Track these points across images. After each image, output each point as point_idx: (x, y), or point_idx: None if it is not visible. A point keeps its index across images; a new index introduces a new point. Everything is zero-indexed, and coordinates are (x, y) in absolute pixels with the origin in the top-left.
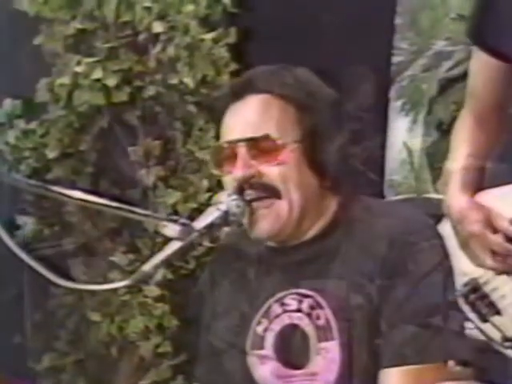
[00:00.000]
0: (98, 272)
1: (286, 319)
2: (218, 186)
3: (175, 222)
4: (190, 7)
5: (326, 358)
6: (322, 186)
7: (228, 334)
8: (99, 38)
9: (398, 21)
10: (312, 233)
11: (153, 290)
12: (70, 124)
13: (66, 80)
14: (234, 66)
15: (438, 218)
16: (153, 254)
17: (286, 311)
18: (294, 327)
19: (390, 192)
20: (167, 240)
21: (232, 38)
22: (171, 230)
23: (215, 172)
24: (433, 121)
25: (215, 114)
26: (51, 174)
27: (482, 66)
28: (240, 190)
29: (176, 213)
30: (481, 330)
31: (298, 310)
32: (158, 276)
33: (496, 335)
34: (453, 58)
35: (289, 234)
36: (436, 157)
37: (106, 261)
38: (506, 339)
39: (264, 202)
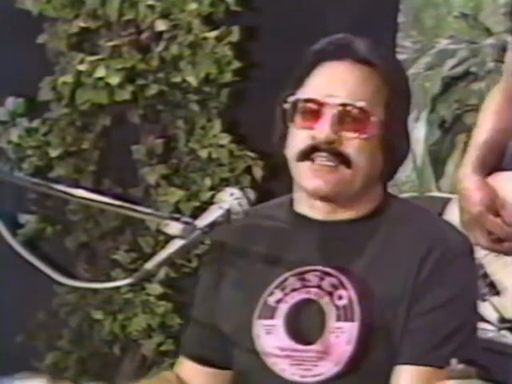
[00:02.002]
0: (101, 270)
1: (303, 293)
2: (220, 184)
3: (177, 220)
4: (193, 5)
5: (341, 337)
6: (383, 169)
7: (233, 306)
8: (102, 36)
9: (401, 19)
10: (354, 213)
11: (155, 289)
12: (73, 122)
13: (68, 78)
14: (237, 65)
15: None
16: (155, 252)
17: (305, 286)
18: (311, 302)
19: (393, 190)
20: (169, 238)
21: (235, 36)
22: (173, 228)
23: (295, 125)
24: (436, 119)
25: (301, 69)
26: (54, 173)
27: None
28: (313, 149)
29: (179, 211)
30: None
31: (318, 287)
32: (161, 274)
33: (493, 316)
34: (456, 56)
35: (338, 204)
36: (439, 155)
37: (108, 259)
38: (503, 320)
39: (331, 165)
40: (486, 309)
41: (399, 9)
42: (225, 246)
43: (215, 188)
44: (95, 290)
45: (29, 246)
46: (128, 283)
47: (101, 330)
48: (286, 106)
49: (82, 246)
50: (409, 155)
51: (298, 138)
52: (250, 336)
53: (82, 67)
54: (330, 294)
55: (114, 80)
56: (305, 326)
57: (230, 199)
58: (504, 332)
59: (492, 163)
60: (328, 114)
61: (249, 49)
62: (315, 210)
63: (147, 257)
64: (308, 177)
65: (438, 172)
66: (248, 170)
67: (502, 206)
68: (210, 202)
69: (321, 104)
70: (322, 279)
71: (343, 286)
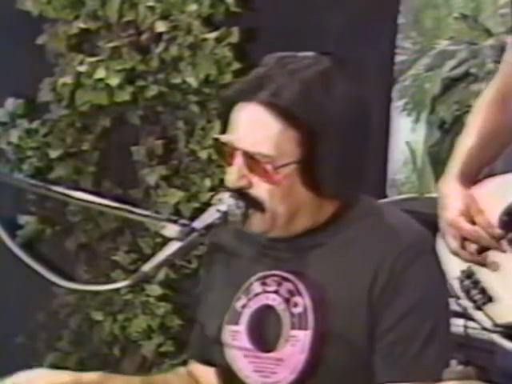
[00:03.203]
0: (101, 271)
1: (263, 299)
2: (220, 185)
3: (175, 222)
4: (193, 7)
5: (295, 346)
6: (318, 196)
7: (213, 312)
8: (102, 37)
9: (401, 20)
10: (308, 225)
11: (155, 290)
12: (73, 123)
13: (68, 79)
14: (236, 66)
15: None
16: (155, 253)
17: (265, 291)
18: (269, 308)
19: (392, 192)
20: (169, 239)
21: (235, 37)
22: (171, 230)
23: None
24: (435, 120)
25: (223, 108)
26: (54, 174)
27: None
28: (234, 194)
29: (178, 212)
30: (474, 319)
31: (276, 292)
32: (161, 275)
33: (487, 323)
34: (456, 57)
35: (279, 232)
36: (439, 156)
37: (108, 260)
38: (495, 325)
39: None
40: (479, 315)
41: (399, 10)
42: (213, 246)
43: (215, 189)
44: (95, 292)
45: (28, 247)
46: (126, 285)
47: (101, 331)
48: (213, 145)
49: (81, 247)
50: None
51: (228, 174)
52: (221, 340)
53: (81, 68)
54: (287, 300)
55: (114, 81)
56: (265, 332)
57: (228, 201)
58: (496, 336)
59: (478, 169)
60: (236, 160)
61: (248, 50)
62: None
63: (147, 258)
64: (242, 218)
65: (438, 173)
66: None
67: (479, 213)
68: (209, 203)
69: (231, 148)
70: (279, 284)
71: (299, 293)
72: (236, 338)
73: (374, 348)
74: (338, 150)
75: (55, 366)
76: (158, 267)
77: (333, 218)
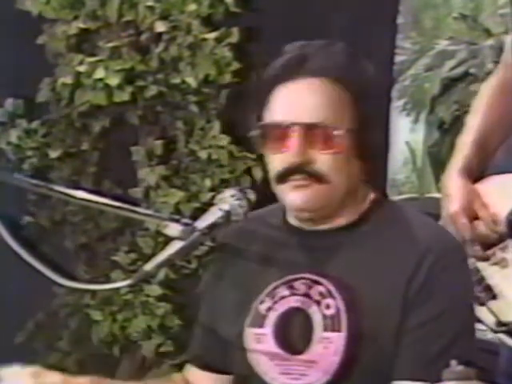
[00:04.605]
0: (101, 271)
1: (292, 302)
2: (220, 185)
3: (177, 221)
4: (192, 7)
5: (328, 348)
6: (362, 176)
7: (228, 311)
8: (102, 37)
9: (400, 20)
10: (342, 221)
11: (155, 290)
12: (72, 123)
13: (68, 80)
14: (236, 66)
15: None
16: (155, 253)
17: (293, 294)
18: (299, 311)
19: (392, 191)
20: (169, 239)
21: (234, 37)
22: (173, 229)
23: (266, 149)
24: (435, 120)
25: (260, 94)
26: (54, 174)
27: None
28: (288, 172)
29: (179, 212)
30: (478, 319)
31: (306, 295)
32: (161, 275)
33: (490, 320)
34: (455, 57)
35: (322, 215)
36: (438, 156)
37: (108, 260)
38: (500, 324)
39: (305, 184)
40: (483, 312)
41: (399, 10)
42: (224, 247)
43: (215, 189)
44: (95, 291)
45: (29, 247)
46: (127, 285)
47: (100, 331)
48: (254, 133)
49: (81, 247)
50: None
51: (273, 163)
52: (243, 344)
53: (81, 68)
54: (318, 302)
55: (114, 81)
56: (293, 335)
57: (230, 200)
58: (501, 335)
59: (479, 164)
60: (293, 137)
61: (248, 50)
62: (302, 222)
63: (147, 258)
64: (290, 197)
65: (438, 173)
66: (248, 171)
67: (483, 207)
68: (210, 203)
69: (285, 128)
70: (310, 287)
71: (331, 295)
72: (261, 340)
73: (397, 342)
74: (379, 116)
75: (55, 366)
76: (160, 266)
77: (366, 215)
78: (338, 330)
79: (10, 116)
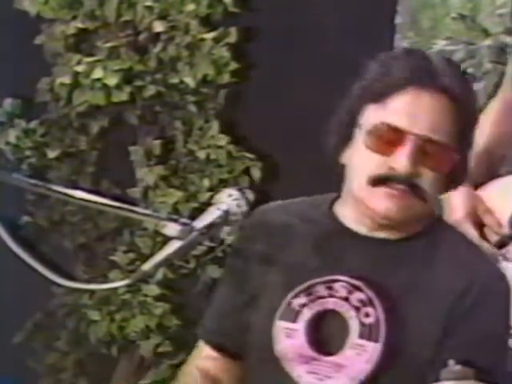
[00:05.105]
0: (99, 271)
1: (330, 304)
2: (219, 185)
3: (175, 221)
4: (190, 6)
5: (361, 355)
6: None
7: (261, 299)
8: (100, 37)
9: (398, 20)
10: (401, 234)
11: (153, 290)
12: (71, 123)
13: (66, 79)
14: (234, 66)
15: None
16: (153, 253)
17: (332, 296)
18: (335, 313)
19: None
20: (167, 239)
21: (233, 37)
22: (171, 229)
23: (370, 148)
24: None
25: (375, 88)
26: (52, 174)
27: None
28: (390, 178)
29: (177, 212)
30: None
31: (345, 299)
32: (159, 275)
33: None
34: (453, 57)
35: (394, 225)
36: None
37: (106, 260)
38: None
39: (406, 194)
40: None
41: (397, 10)
42: (264, 226)
43: (214, 189)
44: (93, 291)
45: (27, 246)
46: (125, 284)
47: (98, 331)
48: (363, 124)
49: (80, 247)
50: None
51: (372, 162)
52: (270, 334)
53: (79, 68)
54: (357, 309)
55: (112, 81)
56: (326, 336)
57: (229, 200)
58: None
59: (481, 173)
60: (408, 146)
61: (246, 50)
62: (362, 225)
63: (145, 258)
64: (381, 202)
65: None
66: (246, 171)
67: (487, 212)
68: (208, 203)
69: (402, 133)
70: (350, 292)
71: (371, 304)
72: (291, 336)
73: (431, 359)
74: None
75: (53, 366)
76: (158, 266)
77: (425, 231)
78: (375, 340)
79: (8, 116)
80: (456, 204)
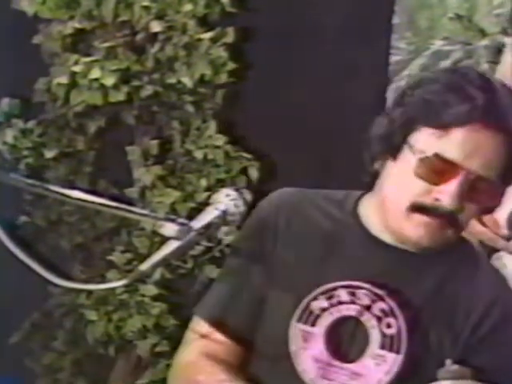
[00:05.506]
0: (96, 271)
1: (351, 310)
2: (216, 185)
3: (173, 221)
4: (188, 7)
5: (381, 366)
6: None
7: (277, 291)
8: (97, 37)
9: (395, 20)
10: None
11: (150, 290)
12: (68, 123)
13: (63, 79)
14: (231, 66)
15: None
16: (151, 253)
17: (353, 303)
18: (357, 321)
19: None
20: (165, 239)
21: (230, 37)
22: (169, 229)
23: (418, 175)
24: None
25: (451, 115)
26: (49, 174)
27: None
28: (433, 208)
29: (175, 212)
30: None
31: (367, 308)
32: (156, 275)
33: None
34: (450, 57)
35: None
36: None
37: (104, 260)
38: None
39: (443, 226)
40: None
41: (394, 10)
42: (282, 216)
43: (211, 189)
44: (90, 291)
45: (24, 246)
46: (123, 284)
47: (95, 331)
48: (415, 146)
49: (77, 246)
50: None
51: (416, 188)
52: (285, 334)
53: (76, 68)
54: (379, 319)
55: (109, 81)
56: (345, 342)
57: (226, 200)
58: None
59: None
60: (459, 180)
61: (244, 50)
62: (386, 234)
63: (143, 258)
64: (416, 230)
65: None
66: (244, 171)
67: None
68: (205, 203)
69: (455, 167)
70: (373, 301)
71: (393, 315)
72: (309, 339)
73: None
74: None
75: (50, 366)
76: (156, 266)
77: (450, 246)
78: (397, 352)
79: (5, 116)
80: None
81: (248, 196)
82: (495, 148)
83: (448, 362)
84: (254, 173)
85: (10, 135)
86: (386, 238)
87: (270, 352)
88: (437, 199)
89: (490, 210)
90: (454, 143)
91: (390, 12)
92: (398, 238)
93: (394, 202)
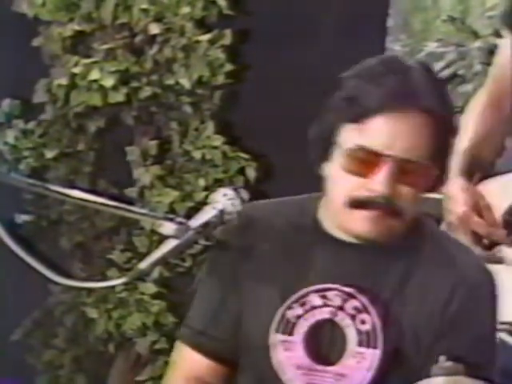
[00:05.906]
0: (96, 270)
1: (324, 313)
2: (214, 184)
3: (172, 220)
4: (186, 9)
5: (362, 363)
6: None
7: (251, 307)
8: (97, 39)
9: (390, 23)
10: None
11: (150, 288)
12: (68, 124)
13: (63, 81)
14: (229, 67)
15: (438, 218)
16: (150, 252)
17: (326, 305)
18: (332, 323)
19: None
20: (164, 238)
21: (227, 39)
22: (167, 228)
23: (348, 171)
24: None
25: (351, 111)
26: (50, 174)
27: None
28: (368, 200)
29: (173, 211)
30: None
31: (340, 308)
32: (155, 274)
33: None
34: (444, 59)
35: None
36: None
37: (103, 259)
38: (500, 322)
39: (383, 216)
40: None
41: (388, 13)
42: (248, 233)
43: (209, 189)
44: (90, 289)
45: (25, 245)
46: (122, 282)
47: (96, 329)
48: (341, 144)
49: (77, 245)
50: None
51: (349, 184)
52: (266, 345)
53: (76, 70)
54: (353, 317)
55: (108, 82)
56: (324, 346)
57: (224, 200)
58: (501, 334)
59: (476, 169)
60: (386, 168)
61: (241, 52)
62: (344, 234)
63: (142, 256)
64: (360, 225)
65: None
66: (241, 171)
67: (487, 208)
68: (204, 203)
69: (379, 156)
70: (344, 301)
71: (366, 310)
72: (289, 348)
73: (425, 362)
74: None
75: (51, 363)
76: (155, 265)
77: (408, 235)
78: (374, 347)
79: (6, 117)
80: (457, 198)
81: (245, 195)
82: (418, 130)
83: (441, 358)
84: (251, 173)
85: (10, 136)
86: (344, 237)
87: (253, 366)
88: (370, 190)
89: (431, 189)
90: (373, 133)
91: (385, 14)
92: (351, 236)
93: (335, 201)
